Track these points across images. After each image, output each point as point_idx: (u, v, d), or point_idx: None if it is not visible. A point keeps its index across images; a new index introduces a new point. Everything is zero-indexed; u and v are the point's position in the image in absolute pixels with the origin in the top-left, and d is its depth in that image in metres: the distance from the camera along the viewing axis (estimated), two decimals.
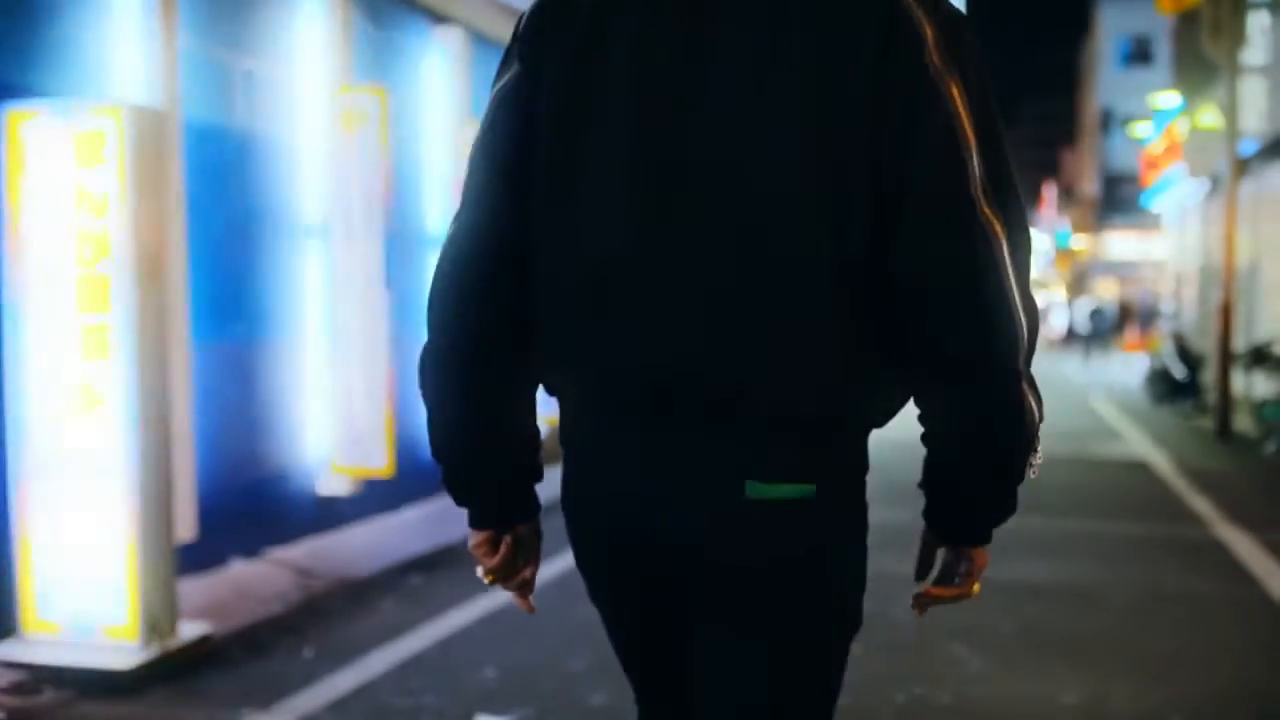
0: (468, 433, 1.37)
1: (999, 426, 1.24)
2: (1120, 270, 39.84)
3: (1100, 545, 6.15)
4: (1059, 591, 5.11)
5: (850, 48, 1.18)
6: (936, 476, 1.32)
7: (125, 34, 4.68)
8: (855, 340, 1.22)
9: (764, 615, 1.28)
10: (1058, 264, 54.70)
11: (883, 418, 1.32)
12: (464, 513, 1.46)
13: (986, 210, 1.19)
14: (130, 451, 3.90)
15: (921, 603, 1.40)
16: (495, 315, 1.32)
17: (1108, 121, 41.17)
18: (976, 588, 1.36)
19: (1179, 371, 14.02)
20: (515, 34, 1.34)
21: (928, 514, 1.35)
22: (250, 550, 5.50)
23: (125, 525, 3.90)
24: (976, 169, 1.19)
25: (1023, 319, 1.23)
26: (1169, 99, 19.67)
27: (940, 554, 1.39)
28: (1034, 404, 1.26)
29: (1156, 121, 21.82)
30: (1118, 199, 39.15)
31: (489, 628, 4.53)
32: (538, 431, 1.42)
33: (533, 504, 1.44)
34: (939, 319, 1.20)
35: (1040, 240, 59.55)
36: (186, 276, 4.86)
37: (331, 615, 4.80)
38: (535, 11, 1.32)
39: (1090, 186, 45.58)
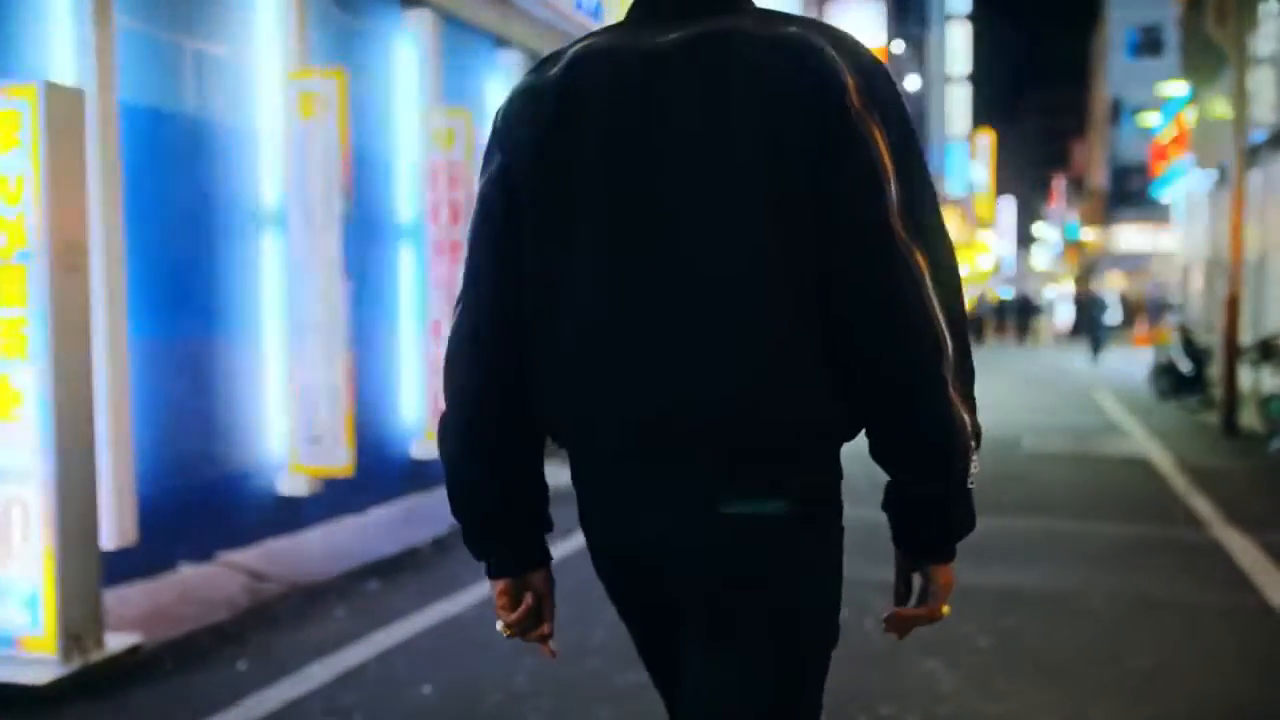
0: (485, 495, 1.49)
1: (930, 440, 1.33)
2: (1130, 263, 39.42)
3: (1090, 548, 5.87)
4: (1041, 599, 4.85)
5: (785, 102, 1.30)
6: (887, 495, 1.39)
7: (56, 12, 4.45)
8: (819, 367, 1.32)
9: (742, 628, 1.36)
10: (1067, 257, 54.25)
11: (852, 431, 1.39)
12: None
13: (904, 235, 1.30)
14: (47, 453, 3.67)
15: (893, 624, 1.45)
16: (503, 385, 1.44)
17: (1117, 112, 40.71)
18: (946, 610, 1.41)
19: (1185, 366, 13.73)
20: (494, 127, 1.48)
21: (892, 534, 1.42)
22: (202, 553, 5.28)
23: (43, 531, 3.68)
24: (894, 199, 1.30)
25: (946, 335, 1.31)
26: (1177, 88, 19.33)
27: (915, 577, 1.45)
28: (965, 415, 1.34)
29: (1165, 111, 21.47)
30: (1127, 191, 38.70)
31: (437, 640, 4.30)
32: (546, 486, 1.53)
33: (544, 553, 1.54)
34: (866, 339, 1.30)
35: (1050, 233, 59.10)
36: (125, 268, 4.63)
37: (278, 623, 4.58)
38: (506, 106, 1.47)
39: (1100, 178, 45.12)
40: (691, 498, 1.34)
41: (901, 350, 1.30)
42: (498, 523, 1.50)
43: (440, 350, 7.16)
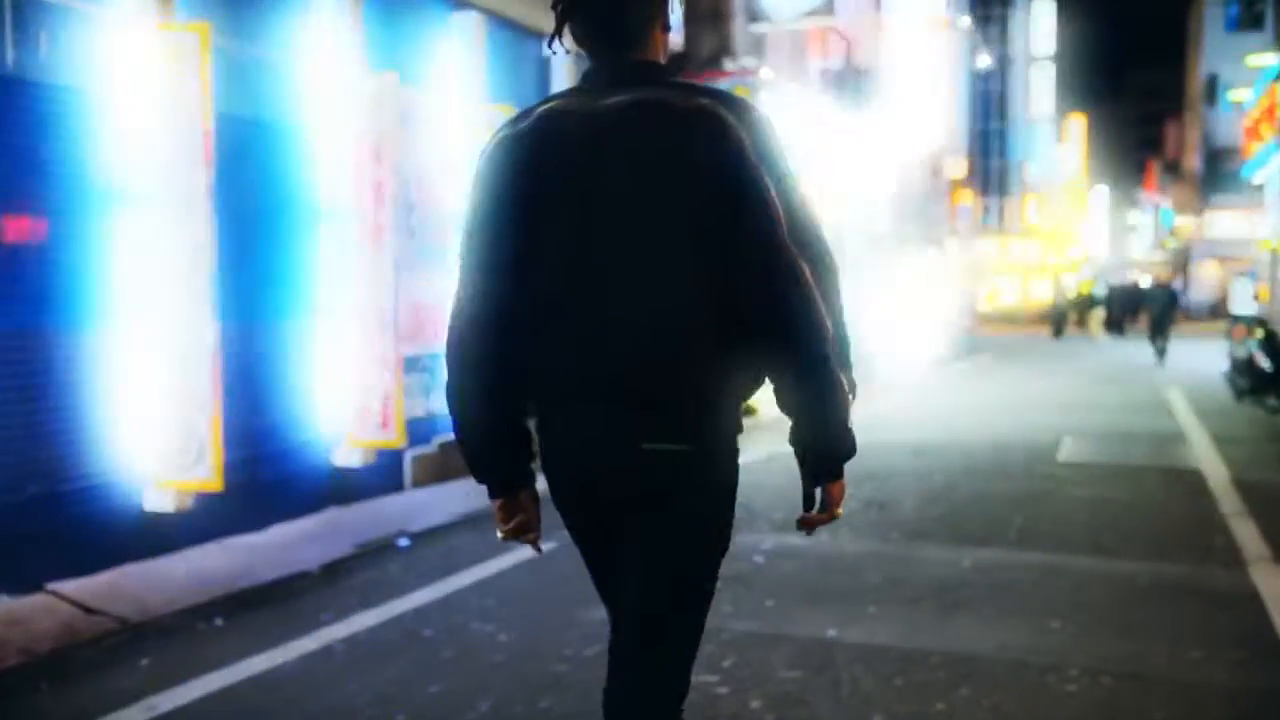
0: (485, 436, 2.02)
1: (819, 396, 1.88)
2: (1225, 250, 37.19)
3: (1089, 595, 4.76)
4: (1002, 670, 3.79)
5: (699, 160, 1.86)
6: (790, 434, 1.92)
7: None
8: (722, 346, 1.89)
9: (653, 529, 1.94)
10: (1161, 245, 51.74)
11: (746, 394, 1.97)
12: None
13: (791, 252, 1.88)
14: None
15: (802, 524, 1.97)
16: (499, 358, 1.97)
17: (1213, 90, 38.38)
18: (840, 511, 1.96)
19: (1265, 362, 12.37)
20: (477, 166, 2.01)
21: (798, 462, 1.95)
22: (28, 583, 4.56)
23: None
24: (783, 227, 1.89)
25: (827, 321, 1.89)
26: (1267, 59, 17.72)
27: (818, 493, 1.96)
28: (842, 376, 1.90)
29: (1256, 85, 19.78)
30: (1222, 174, 36.44)
31: (228, 704, 3.51)
32: (529, 430, 2.05)
33: (529, 479, 2.06)
34: (770, 330, 1.87)
35: (1143, 220, 56.54)
36: None
37: (67, 677, 3.83)
38: (486, 150, 2.00)
39: (1194, 162, 42.73)
40: (631, 434, 1.90)
41: (795, 337, 1.86)
42: (494, 458, 2.01)
43: (367, 344, 6.43)
